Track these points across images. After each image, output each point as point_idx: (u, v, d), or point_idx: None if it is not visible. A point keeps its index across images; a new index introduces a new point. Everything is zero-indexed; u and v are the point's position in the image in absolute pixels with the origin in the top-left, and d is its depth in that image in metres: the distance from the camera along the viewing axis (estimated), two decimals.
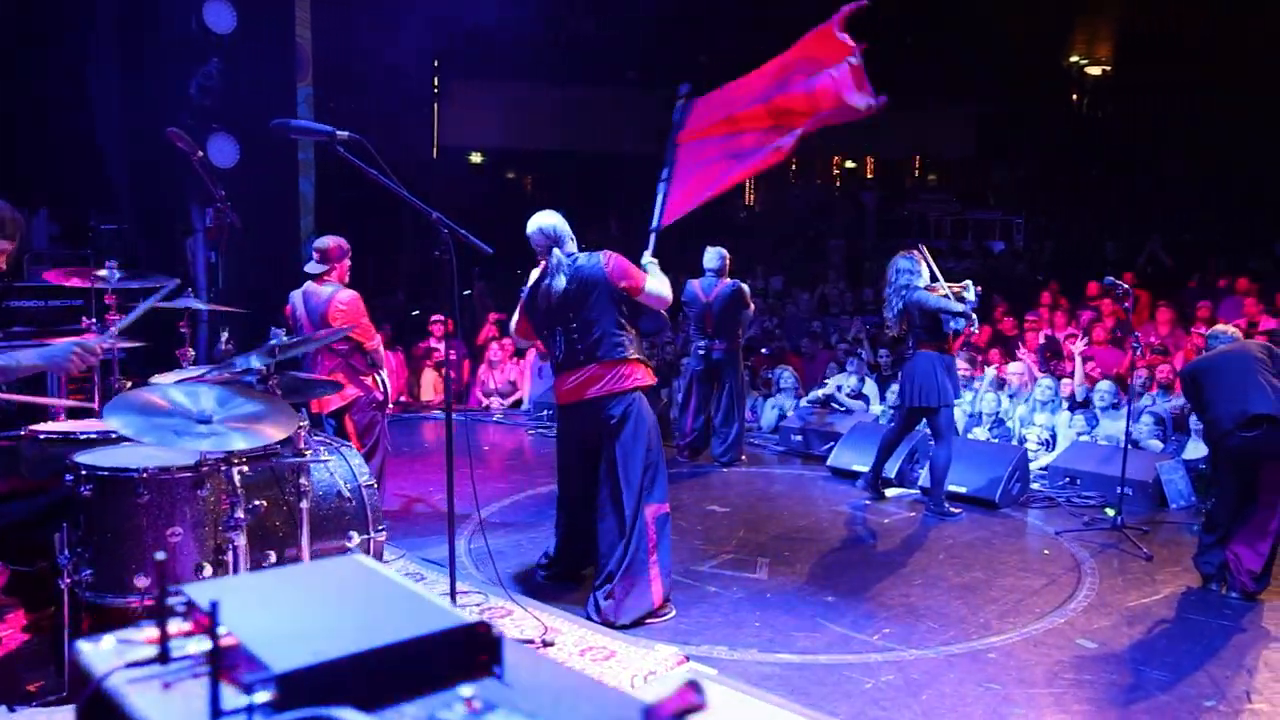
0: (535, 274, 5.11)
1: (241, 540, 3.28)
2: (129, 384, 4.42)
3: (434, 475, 8.23)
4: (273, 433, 3.17)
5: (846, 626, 5.16)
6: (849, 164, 22.14)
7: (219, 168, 8.60)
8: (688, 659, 4.19)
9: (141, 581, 3.38)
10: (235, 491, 3.34)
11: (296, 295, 6.57)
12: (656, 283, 5.08)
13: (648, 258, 5.30)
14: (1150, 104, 20.33)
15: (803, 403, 9.74)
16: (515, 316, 5.29)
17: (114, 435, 3.94)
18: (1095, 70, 23.19)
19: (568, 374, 5.01)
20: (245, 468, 3.41)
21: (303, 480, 3.52)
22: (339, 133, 3.67)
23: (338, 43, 10.46)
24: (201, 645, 1.11)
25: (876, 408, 9.53)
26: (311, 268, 6.27)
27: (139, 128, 8.81)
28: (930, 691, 4.42)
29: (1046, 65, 22.17)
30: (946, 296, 7.02)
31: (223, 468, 3.39)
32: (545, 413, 10.31)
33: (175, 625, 1.16)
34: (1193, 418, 7.80)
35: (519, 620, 4.53)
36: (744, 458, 8.76)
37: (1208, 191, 17.23)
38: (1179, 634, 5.16)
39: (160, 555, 1.24)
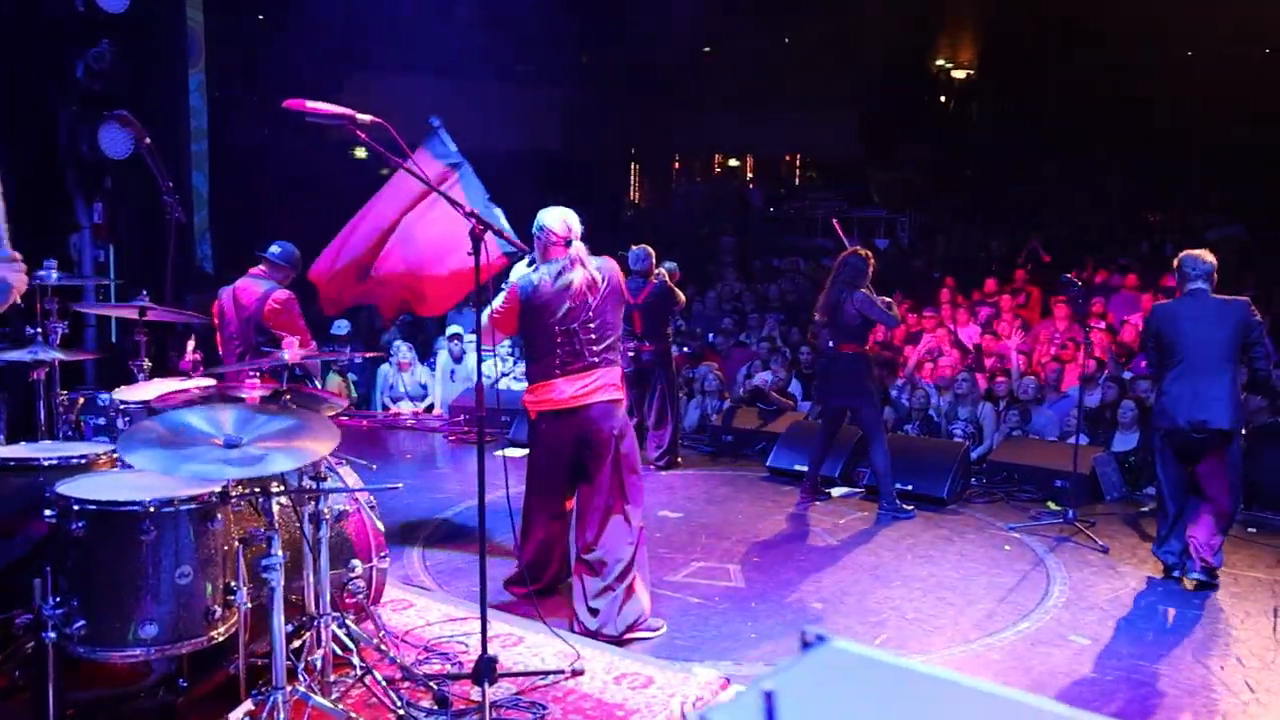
0: (545, 268, 4.76)
1: (279, 582, 2.86)
2: (81, 400, 3.91)
3: None
4: (317, 447, 2.78)
5: (844, 634, 5.00)
6: (731, 162, 22.31)
7: (111, 159, 7.87)
8: (729, 681, 3.96)
9: (148, 631, 2.93)
10: (273, 525, 2.92)
11: (226, 293, 6.10)
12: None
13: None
14: (1011, 105, 21.21)
15: (729, 402, 9.65)
16: (496, 308, 4.84)
17: (83, 459, 3.46)
18: (960, 74, 24.06)
19: (569, 378, 4.72)
20: (284, 498, 2.99)
21: (322, 506, 3.12)
22: (360, 116, 3.29)
23: (228, 29, 9.77)
24: None
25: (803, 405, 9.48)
26: (273, 257, 5.90)
27: (18, 113, 7.97)
28: None
29: (916, 67, 22.88)
30: (888, 305, 7.10)
31: (260, 499, 2.96)
32: (462, 417, 9.87)
33: None
34: (1120, 410, 8.02)
35: (534, 646, 4.20)
36: (680, 460, 8.58)
37: (1072, 190, 18.04)
38: (1161, 626, 5.24)
39: None
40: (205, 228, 9.25)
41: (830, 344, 7.01)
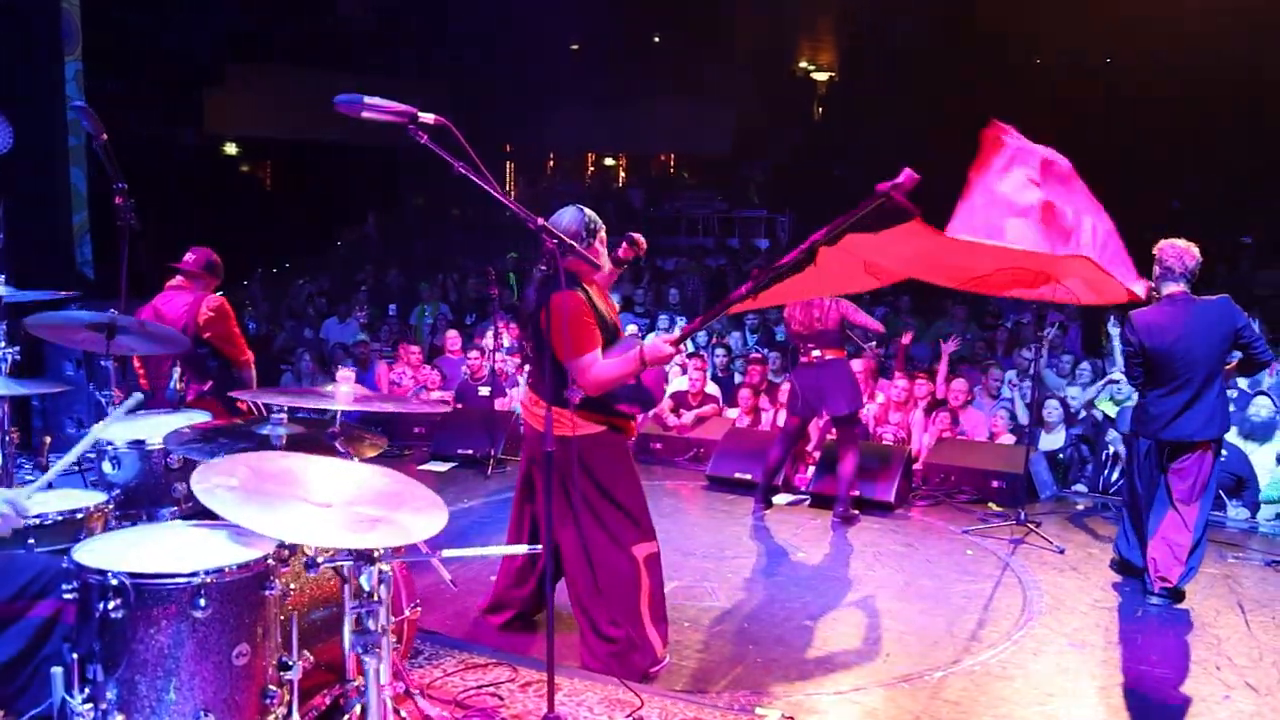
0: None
1: (381, 666, 2.46)
2: (49, 440, 3.40)
3: None
4: (423, 526, 2.38)
5: (848, 653, 4.91)
6: (606, 161, 22.13)
7: None
8: None
9: None
10: (375, 596, 2.50)
11: (146, 310, 5.58)
12: (595, 369, 3.95)
13: (657, 341, 3.95)
14: (871, 109, 21.73)
15: (653, 410, 9.44)
16: None
17: (76, 515, 2.97)
18: (822, 76, 24.54)
19: (526, 392, 4.30)
20: (385, 564, 2.56)
21: (384, 564, 2.73)
22: (422, 115, 2.92)
23: (107, 15, 8.94)
24: None
25: (732, 412, 9.35)
26: (189, 265, 5.40)
27: None
28: (979, 713, 4.26)
29: (783, 69, 23.21)
30: None
31: (365, 567, 2.53)
32: (376, 430, 9.31)
33: None
34: (1045, 409, 8.21)
35: (574, 693, 3.86)
36: None
37: (941, 190, 18.65)
38: (1150, 627, 5.31)
39: None
40: (85, 230, 8.42)
41: (817, 353, 6.88)
